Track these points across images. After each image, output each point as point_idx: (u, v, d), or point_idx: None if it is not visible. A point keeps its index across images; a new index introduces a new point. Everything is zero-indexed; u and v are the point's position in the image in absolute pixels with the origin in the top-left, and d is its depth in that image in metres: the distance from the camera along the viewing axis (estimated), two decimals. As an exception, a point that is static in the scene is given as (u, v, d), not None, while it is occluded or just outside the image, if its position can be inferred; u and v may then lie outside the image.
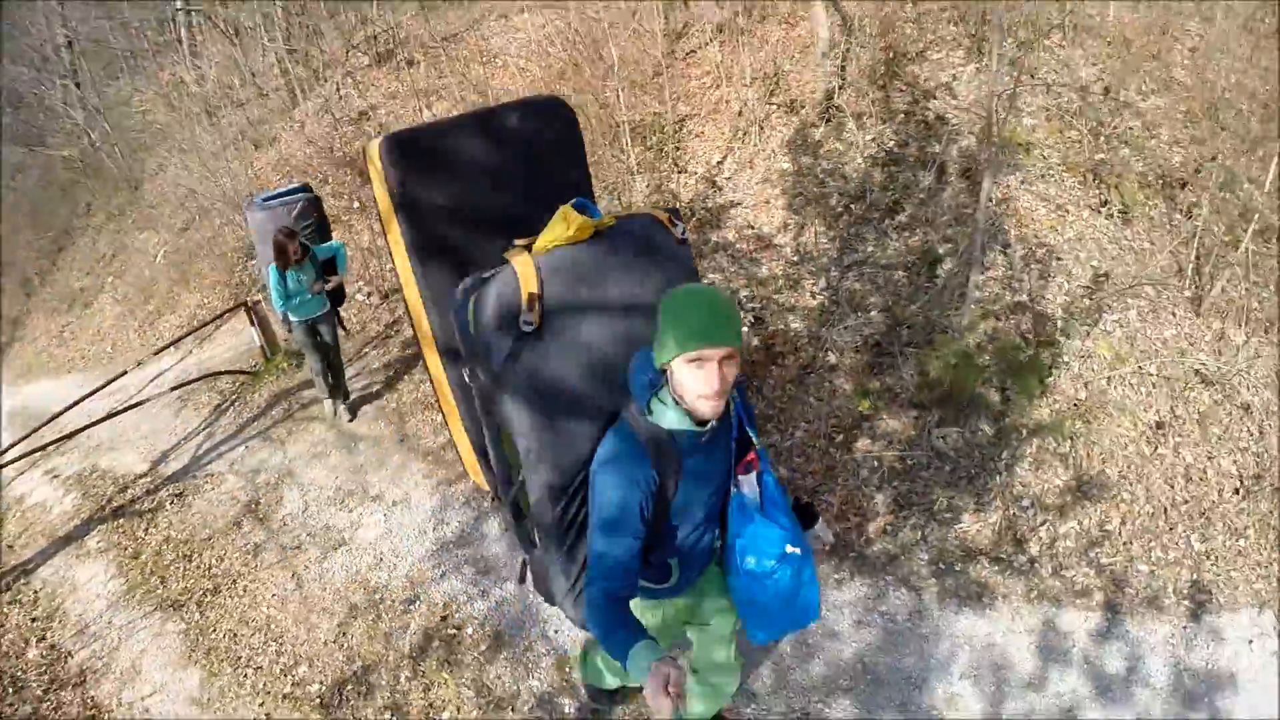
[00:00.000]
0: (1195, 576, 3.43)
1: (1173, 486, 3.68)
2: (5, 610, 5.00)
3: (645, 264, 1.91)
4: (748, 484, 1.93)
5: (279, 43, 10.99)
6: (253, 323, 7.03)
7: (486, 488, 2.33)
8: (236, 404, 6.66)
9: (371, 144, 2.03)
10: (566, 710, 3.16)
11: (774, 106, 5.84)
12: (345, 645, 3.77)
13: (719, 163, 6.03)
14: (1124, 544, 3.54)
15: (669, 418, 1.70)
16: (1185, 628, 3.27)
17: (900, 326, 4.35)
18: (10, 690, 4.27)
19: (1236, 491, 3.63)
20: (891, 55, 5.62)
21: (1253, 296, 4.24)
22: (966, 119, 5.06)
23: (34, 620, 4.88)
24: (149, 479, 6.08)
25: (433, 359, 2.20)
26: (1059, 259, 4.48)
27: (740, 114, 5.86)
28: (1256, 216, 4.12)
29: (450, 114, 5.76)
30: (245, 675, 3.84)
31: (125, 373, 7.01)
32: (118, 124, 13.52)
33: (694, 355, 1.59)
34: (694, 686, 2.42)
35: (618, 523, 1.69)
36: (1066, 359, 4.07)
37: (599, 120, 6.35)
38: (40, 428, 6.62)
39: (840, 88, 5.57)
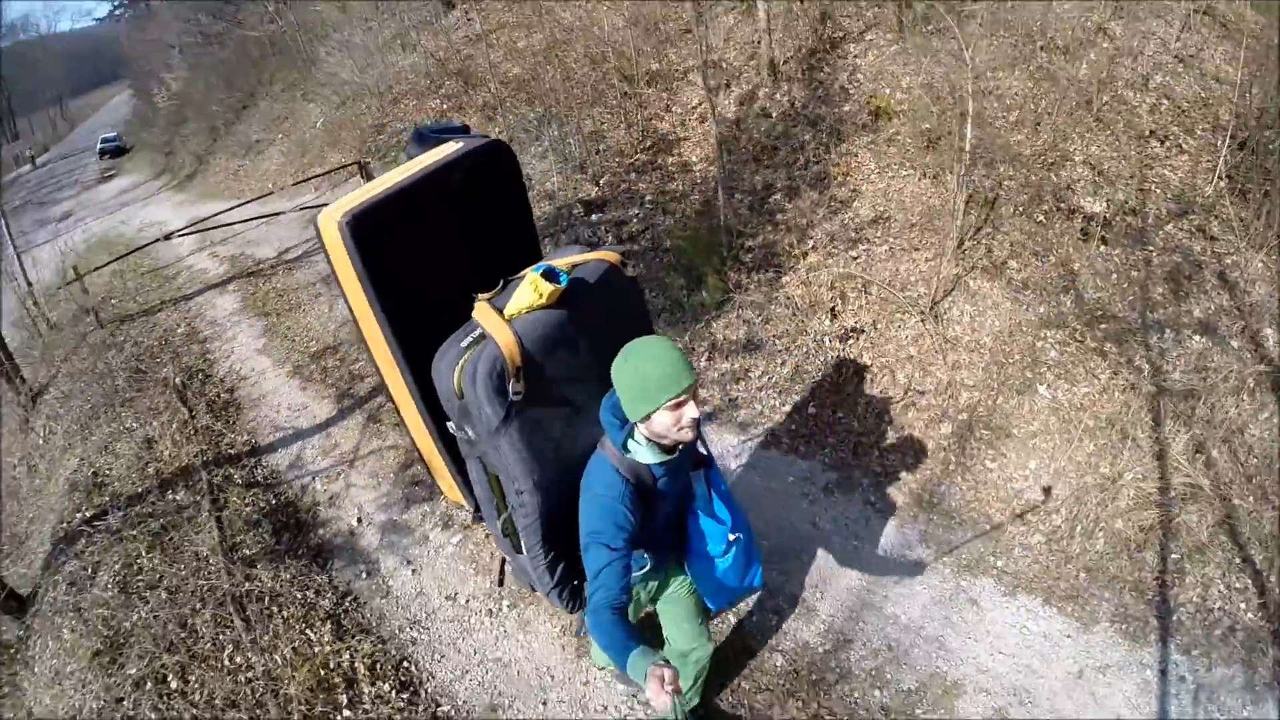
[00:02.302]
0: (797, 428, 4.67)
1: (838, 371, 4.83)
2: (172, 313, 8.51)
3: (607, 315, 2.22)
4: (698, 480, 2.29)
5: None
6: (363, 176, 10.29)
7: (464, 504, 2.51)
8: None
9: (325, 222, 2.04)
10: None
11: (733, 75, 8.35)
12: (337, 336, 6.84)
13: (693, 107, 8.59)
14: (758, 390, 4.92)
15: (644, 455, 2.02)
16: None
17: (720, 230, 6.57)
18: (164, 343, 7.70)
19: (902, 401, 4.56)
20: (824, 36, 7.94)
21: (1012, 257, 5.19)
22: (861, 89, 7.20)
23: (186, 317, 8.34)
24: (273, 259, 9.48)
25: (406, 405, 2.31)
26: (856, 200, 6.13)
27: (708, 77, 8.39)
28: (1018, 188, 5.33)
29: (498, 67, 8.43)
30: (285, 341, 7.06)
31: (271, 192, 10.48)
32: (301, 14, 17.27)
33: (672, 404, 1.91)
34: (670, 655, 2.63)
35: (610, 546, 1.93)
36: (803, 267, 5.61)
37: (626, 60, 9.04)
38: (208, 220, 10.21)
39: (784, 62, 7.97)
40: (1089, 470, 3.94)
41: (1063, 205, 5.38)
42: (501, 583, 2.73)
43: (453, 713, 3.24)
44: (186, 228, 10.39)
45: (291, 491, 4.85)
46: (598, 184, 7.77)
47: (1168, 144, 5.66)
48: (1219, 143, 5.27)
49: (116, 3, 44.73)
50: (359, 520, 4.45)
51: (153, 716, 3.50)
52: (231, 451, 5.41)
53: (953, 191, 5.35)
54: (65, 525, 5.10)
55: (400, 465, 4.77)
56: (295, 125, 15.14)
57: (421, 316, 2.17)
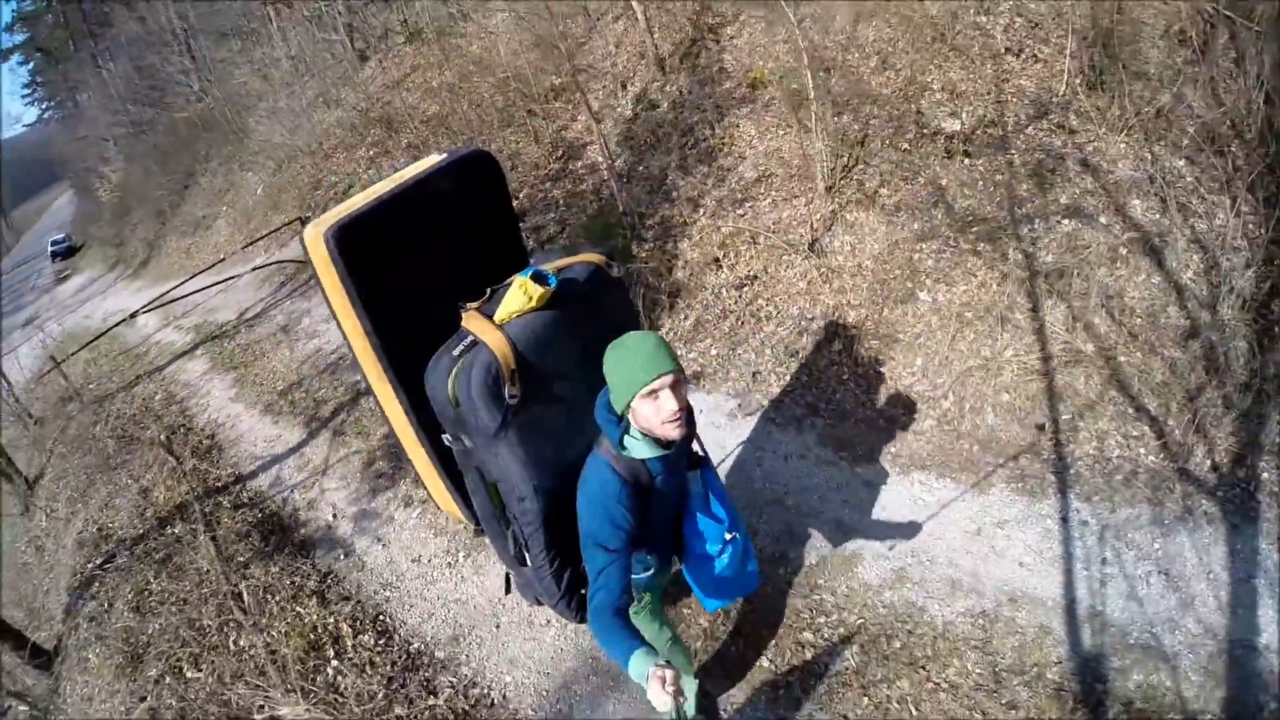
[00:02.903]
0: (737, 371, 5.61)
1: (735, 316, 5.51)
2: (148, 384, 9.17)
3: (595, 314, 2.26)
4: (694, 481, 2.32)
5: (340, 31, 14.95)
6: (303, 229, 11.03)
7: (465, 520, 2.52)
8: (289, 281, 10.64)
9: (312, 235, 2.03)
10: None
11: (628, 75, 9.08)
12: (300, 372, 7.53)
13: (595, 111, 9.32)
14: (690, 331, 5.60)
15: (641, 450, 2.05)
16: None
17: (620, 215, 7.30)
18: (145, 410, 8.35)
19: (796, 330, 5.15)
20: (703, 25, 8.69)
21: (883, 185, 5.74)
22: (739, 65, 7.91)
23: (162, 385, 9.00)
24: (235, 320, 10.15)
25: (398, 420, 2.30)
26: (741, 165, 6.82)
27: (610, 75, 9.12)
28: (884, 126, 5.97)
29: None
30: (254, 386, 7.73)
31: (223, 259, 11.16)
32: (226, 89, 17.98)
33: (647, 391, 1.93)
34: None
35: (610, 547, 1.98)
36: (696, 232, 6.38)
37: (526, 82, 9.78)
38: (167, 293, 10.87)
39: (669, 55, 8.72)
40: (972, 356, 4.44)
41: (925, 130, 5.97)
42: (508, 591, 2.69)
43: (422, 648, 3.89)
44: (148, 305, 11.05)
45: (274, 505, 5.52)
46: (516, 197, 8.50)
47: (1023, 56, 6.13)
48: (1076, 45, 5.62)
49: (44, 106, 45.17)
50: (334, 515, 5.13)
51: (173, 703, 4.14)
52: (219, 484, 6.07)
53: (816, 137, 6.01)
54: (79, 576, 5.74)
55: (364, 464, 5.46)
56: (237, 195, 15.81)
57: (410, 327, 2.17)
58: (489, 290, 2.26)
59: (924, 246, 5.21)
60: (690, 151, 7.46)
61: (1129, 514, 3.55)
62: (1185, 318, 4.40)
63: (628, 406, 1.99)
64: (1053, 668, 2.98)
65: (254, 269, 10.97)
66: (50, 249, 30.68)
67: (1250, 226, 4.52)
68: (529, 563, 2.29)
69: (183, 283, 11.05)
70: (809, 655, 3.22)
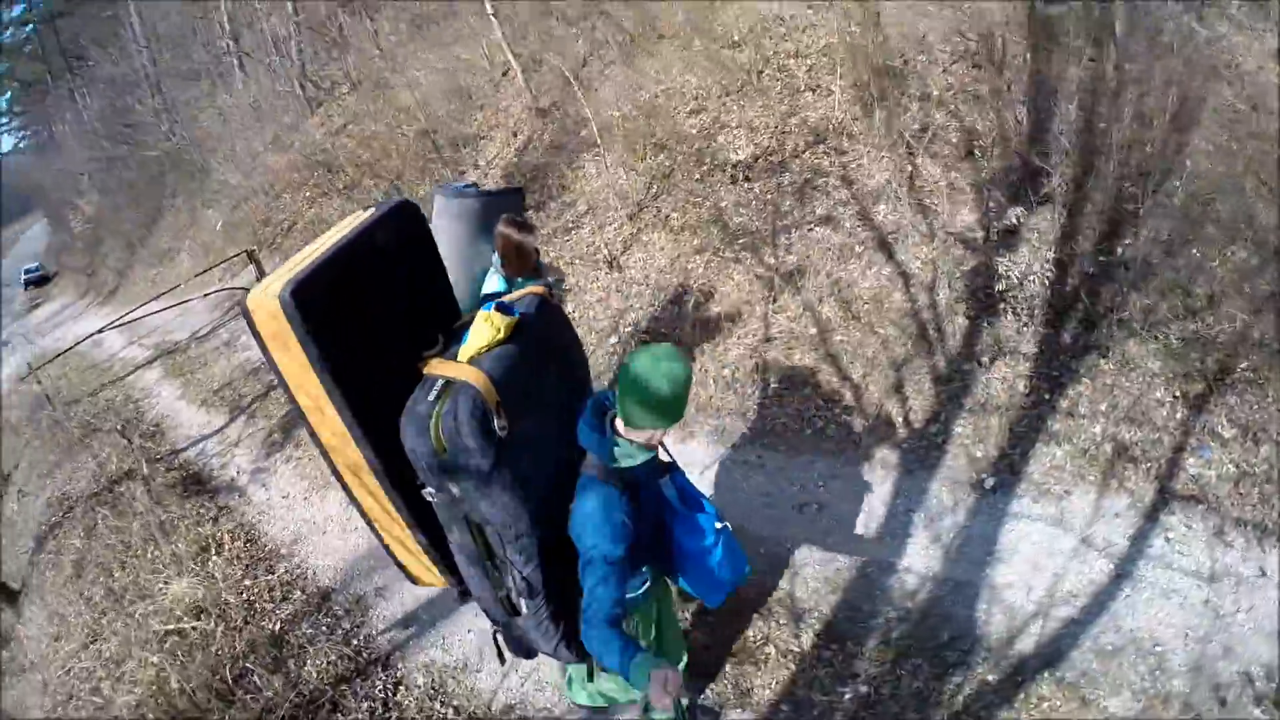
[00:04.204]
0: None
1: None
2: (111, 391, 11.19)
3: (548, 342, 2.44)
4: (667, 486, 2.43)
5: (294, 83, 17.17)
6: (253, 263, 13.05)
7: (444, 584, 2.57)
8: (235, 305, 12.62)
9: (257, 301, 1.98)
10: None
11: (520, 124, 11.19)
12: (231, 376, 9.54)
13: (491, 158, 11.45)
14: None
15: (629, 459, 2.18)
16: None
17: None
18: (107, 409, 10.35)
19: (586, 328, 7.62)
20: (577, 76, 10.82)
21: (675, 210, 7.03)
22: (597, 115, 9.93)
23: (122, 391, 11.02)
24: (187, 339, 12.19)
25: (364, 484, 2.29)
26: (579, 201, 8.39)
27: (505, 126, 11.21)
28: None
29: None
30: (195, 388, 9.76)
31: (178, 286, 13.23)
32: (191, 130, 20.16)
33: (663, 432, 2.16)
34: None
35: (611, 557, 2.05)
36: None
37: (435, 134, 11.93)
38: (127, 314, 12.92)
39: (547, 107, 10.83)
40: (719, 341, 5.67)
41: (718, 162, 7.16)
42: (502, 659, 2.62)
43: (274, 548, 5.80)
44: (112, 323, 13.05)
45: (196, 467, 7.55)
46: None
47: (818, 92, 7.14)
48: (860, 74, 6.62)
49: (20, 135, 47.31)
50: (237, 472, 7.16)
51: (100, 591, 6.09)
52: (158, 456, 8.07)
53: (621, 174, 7.84)
54: (44, 526, 7.72)
55: (265, 437, 7.49)
56: (199, 230, 17.90)
57: (372, 383, 2.13)
58: (441, 339, 2.34)
59: (697, 258, 6.52)
60: (550, 191, 9.53)
61: (805, 459, 4.52)
62: (907, 301, 5.32)
63: (632, 426, 2.14)
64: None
65: (205, 295, 13.02)
66: (24, 277, 32.58)
67: (991, 221, 5.60)
68: (523, 610, 2.30)
69: (143, 305, 13.08)
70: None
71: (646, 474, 2.29)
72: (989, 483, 4.45)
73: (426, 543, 2.40)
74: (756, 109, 7.49)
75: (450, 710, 3.86)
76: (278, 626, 4.83)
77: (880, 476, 4.54)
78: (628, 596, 2.31)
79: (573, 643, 2.37)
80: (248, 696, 4.26)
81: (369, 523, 2.49)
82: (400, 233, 2.42)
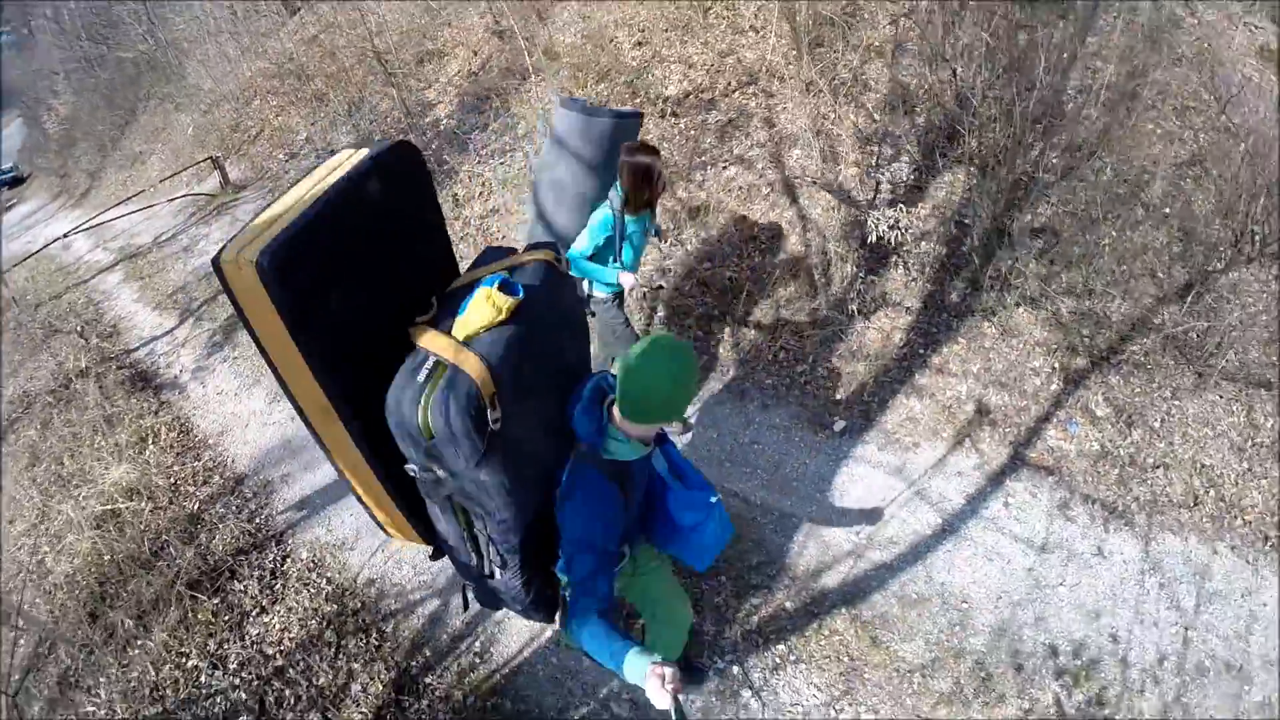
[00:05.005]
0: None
1: (483, 237, 9.16)
2: (75, 294, 11.66)
3: (552, 316, 2.33)
4: (658, 459, 2.47)
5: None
6: (216, 167, 13.37)
7: (420, 544, 2.52)
8: (202, 209, 13.05)
9: (230, 264, 1.84)
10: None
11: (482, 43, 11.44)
12: (185, 280, 10.02)
13: (453, 75, 11.70)
14: None
15: (625, 451, 2.18)
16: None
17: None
18: (69, 311, 10.84)
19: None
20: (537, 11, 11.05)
21: None
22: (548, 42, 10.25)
23: (85, 293, 11.49)
24: (150, 244, 12.60)
25: (347, 454, 2.21)
26: (519, 124, 8.94)
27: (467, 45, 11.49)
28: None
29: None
30: (152, 291, 10.24)
31: (142, 191, 13.58)
32: (169, 32, 20.15)
33: (660, 427, 2.13)
34: (654, 628, 2.93)
35: (600, 550, 2.08)
36: (467, 175, 8.70)
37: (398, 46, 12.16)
38: (93, 218, 13.31)
39: (504, 34, 11.08)
40: None
41: (650, 96, 7.57)
42: (466, 606, 2.69)
43: (202, 438, 6.47)
44: (77, 227, 13.47)
45: (145, 366, 8.09)
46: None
47: (762, 33, 7.39)
48: (805, 23, 6.79)
49: (-1, 34, 46.57)
50: (180, 371, 7.71)
51: (51, 478, 6.69)
52: (112, 355, 8.60)
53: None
54: (5, 421, 8.28)
55: (209, 339, 8.00)
56: (171, 134, 18.11)
57: (356, 350, 2.05)
58: (434, 301, 2.24)
59: None
60: (494, 110, 9.89)
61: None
62: (801, 245, 5.62)
63: (629, 420, 2.13)
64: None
65: (170, 200, 13.38)
66: (-3, 178, 32.60)
67: (899, 175, 5.95)
68: (498, 576, 2.33)
69: (109, 209, 13.46)
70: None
71: (639, 462, 2.27)
72: (838, 425, 4.82)
73: (405, 509, 2.36)
74: (697, 45, 7.77)
75: (324, 581, 4.53)
76: (196, 506, 5.46)
77: (736, 409, 4.93)
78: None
79: (540, 604, 2.43)
80: (163, 564, 4.86)
81: (344, 478, 2.39)
82: (392, 179, 2.22)
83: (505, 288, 2.10)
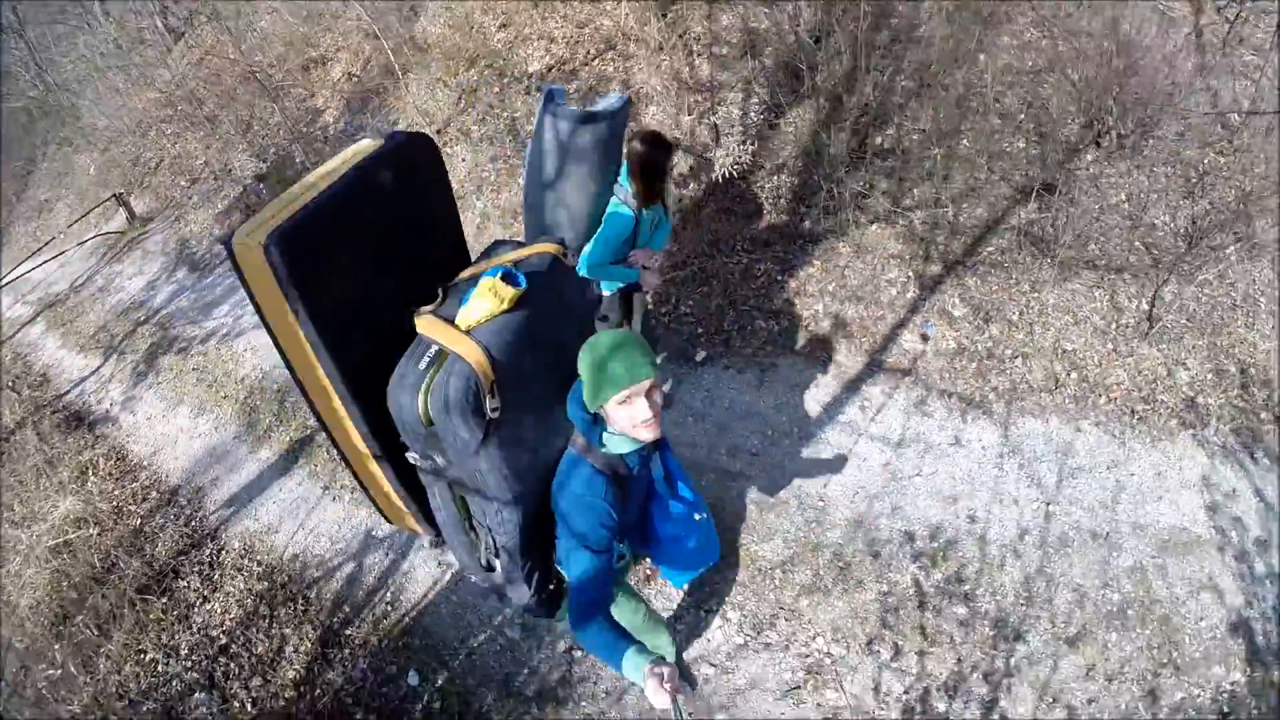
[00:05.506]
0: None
1: None
2: (4, 352, 11.90)
3: (558, 308, 2.33)
4: (654, 463, 2.39)
5: (155, 16, 17.21)
6: (120, 204, 13.55)
7: (420, 531, 2.58)
8: (113, 247, 13.26)
9: (242, 245, 1.91)
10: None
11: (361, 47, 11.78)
12: (105, 319, 10.31)
13: (336, 82, 12.01)
14: None
15: (619, 446, 2.15)
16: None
17: None
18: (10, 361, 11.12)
19: None
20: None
21: (477, 121, 7.93)
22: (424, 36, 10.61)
23: (11, 349, 11.73)
24: (66, 290, 12.82)
25: (350, 439, 2.27)
26: (399, 115, 9.33)
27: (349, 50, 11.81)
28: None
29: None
30: (74, 336, 10.52)
31: (55, 238, 13.76)
32: (59, 74, 20.07)
33: (622, 397, 1.99)
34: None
35: (595, 546, 2.07)
36: None
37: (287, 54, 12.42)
38: (8, 273, 13.48)
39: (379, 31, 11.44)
40: (488, 233, 6.91)
41: (516, 74, 7.99)
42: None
43: (137, 461, 6.90)
44: (-7, 285, 13.67)
45: (77, 406, 8.48)
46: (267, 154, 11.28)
47: (620, 5, 7.62)
48: None
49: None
50: (110, 404, 8.10)
51: (5, 524, 7.08)
52: (45, 403, 8.96)
53: (426, 93, 8.77)
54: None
55: (132, 370, 8.39)
56: (74, 178, 18.15)
57: (361, 336, 2.10)
58: (440, 290, 2.25)
59: (490, 165, 7.45)
60: (374, 109, 10.27)
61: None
62: None
63: (602, 409, 2.07)
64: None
65: (80, 244, 13.59)
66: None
67: (752, 115, 6.30)
68: (498, 568, 2.34)
69: (20, 264, 13.64)
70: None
71: (639, 464, 2.26)
72: (699, 355, 5.22)
73: (406, 496, 2.40)
74: (558, 20, 8.09)
75: (255, 564, 5.09)
76: (138, 522, 5.96)
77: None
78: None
79: (543, 597, 2.42)
80: (114, 577, 5.34)
81: (348, 466, 2.46)
82: (406, 170, 2.28)
83: (508, 278, 2.11)
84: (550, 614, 2.52)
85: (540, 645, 3.93)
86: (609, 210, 3.41)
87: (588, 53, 7.76)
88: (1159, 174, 5.26)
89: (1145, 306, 4.59)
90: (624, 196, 3.40)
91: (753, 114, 6.56)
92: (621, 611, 2.72)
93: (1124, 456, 4.03)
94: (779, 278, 5.45)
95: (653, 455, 2.38)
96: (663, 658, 1.93)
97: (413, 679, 4.00)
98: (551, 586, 2.45)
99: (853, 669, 3.49)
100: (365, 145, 2.28)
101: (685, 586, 3.72)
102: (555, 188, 3.36)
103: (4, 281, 13.79)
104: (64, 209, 17.71)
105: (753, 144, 6.15)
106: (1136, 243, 4.93)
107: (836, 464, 4.30)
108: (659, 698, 1.80)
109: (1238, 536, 3.63)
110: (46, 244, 13.84)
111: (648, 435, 2.08)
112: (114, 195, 13.81)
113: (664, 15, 7.25)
